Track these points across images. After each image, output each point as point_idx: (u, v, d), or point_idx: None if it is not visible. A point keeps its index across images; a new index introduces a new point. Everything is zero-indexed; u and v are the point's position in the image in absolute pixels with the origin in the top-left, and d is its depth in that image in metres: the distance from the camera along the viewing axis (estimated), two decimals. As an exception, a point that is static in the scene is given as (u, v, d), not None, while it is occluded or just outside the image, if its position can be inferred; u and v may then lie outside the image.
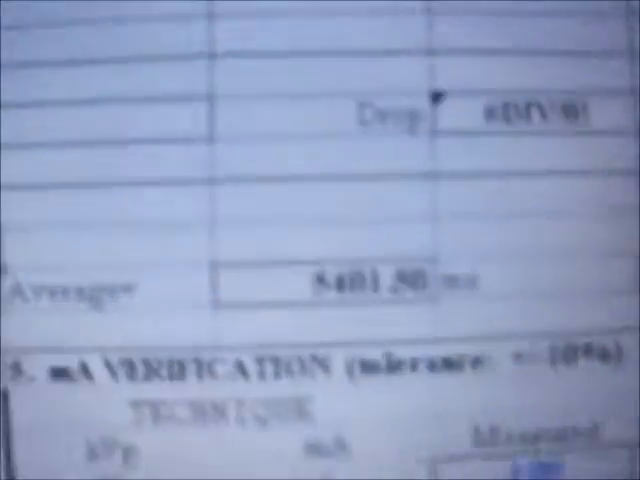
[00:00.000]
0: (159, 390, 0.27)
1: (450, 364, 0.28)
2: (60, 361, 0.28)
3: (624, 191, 0.28)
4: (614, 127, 0.28)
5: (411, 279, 0.28)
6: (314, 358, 0.27)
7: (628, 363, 0.28)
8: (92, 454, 0.28)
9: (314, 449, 0.28)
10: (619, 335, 0.28)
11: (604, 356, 0.28)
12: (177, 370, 0.28)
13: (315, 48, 0.27)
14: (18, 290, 0.28)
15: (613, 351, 0.28)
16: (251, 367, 0.27)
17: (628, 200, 0.28)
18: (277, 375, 0.27)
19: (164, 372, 0.28)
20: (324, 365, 0.27)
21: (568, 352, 0.28)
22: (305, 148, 0.27)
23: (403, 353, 0.28)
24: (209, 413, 0.27)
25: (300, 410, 0.27)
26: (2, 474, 0.28)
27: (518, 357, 0.28)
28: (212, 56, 0.27)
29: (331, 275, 0.27)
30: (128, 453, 0.28)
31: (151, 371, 0.28)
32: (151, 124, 0.27)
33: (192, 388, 0.27)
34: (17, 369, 0.28)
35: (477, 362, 0.28)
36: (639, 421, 0.28)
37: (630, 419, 0.28)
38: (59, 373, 0.28)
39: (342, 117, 0.27)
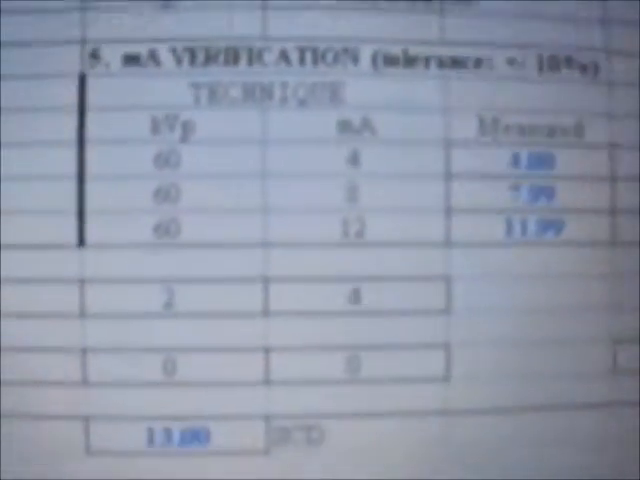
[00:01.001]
0: (216, 74, 0.33)
1: (456, 62, 0.33)
2: (132, 49, 0.33)
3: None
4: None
5: (424, -7, 0.34)
6: (345, 50, 0.33)
7: (602, 77, 0.34)
8: (156, 128, 0.32)
9: (345, 127, 0.32)
10: (596, 52, 0.34)
11: (583, 69, 0.34)
12: (232, 57, 0.33)
13: None
14: (98, -7, 0.33)
15: (590, 66, 0.34)
16: (293, 55, 0.33)
17: None
18: (315, 63, 0.33)
19: (221, 58, 0.33)
20: (354, 56, 0.33)
21: (552, 61, 0.34)
22: None
23: (417, 51, 0.33)
24: (257, 94, 0.32)
25: (333, 94, 0.33)
26: (76, 144, 0.32)
27: (511, 61, 0.33)
28: None
29: (359, -14, 0.33)
30: (186, 128, 0.32)
31: (210, 58, 0.33)
32: None
33: (244, 72, 0.33)
34: (95, 56, 0.33)
35: (478, 62, 0.33)
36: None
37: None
38: (131, 59, 0.33)
39: None
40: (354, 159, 0.33)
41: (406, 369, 0.33)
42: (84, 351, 0.32)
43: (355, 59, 0.33)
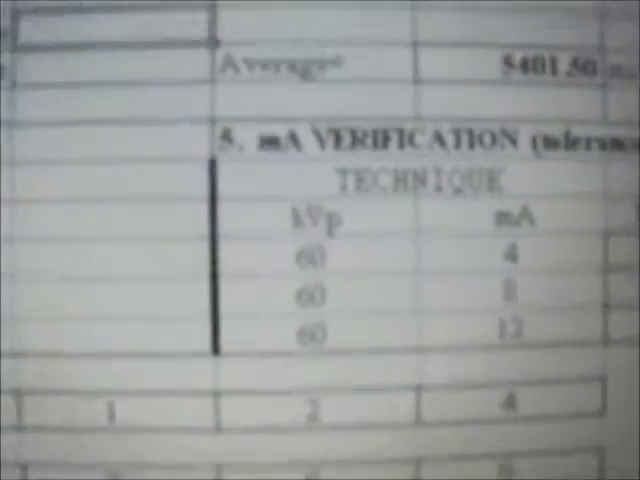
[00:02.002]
0: (363, 159, 0.29)
1: (617, 143, 0.30)
2: (270, 130, 0.29)
3: None
4: None
5: (584, 66, 0.30)
6: (504, 132, 0.30)
7: None
8: (298, 221, 0.29)
9: (503, 217, 0.30)
10: None
11: None
12: (381, 139, 0.29)
13: None
14: (230, 62, 0.29)
15: None
16: (448, 138, 0.29)
17: None
18: (471, 146, 0.30)
19: (369, 141, 0.29)
20: (512, 138, 0.30)
21: None
22: None
23: (579, 132, 0.30)
24: (409, 181, 0.29)
25: (491, 180, 0.30)
26: (208, 239, 0.28)
27: (672, 142, 0.31)
28: None
29: (517, 57, 0.30)
30: (332, 220, 0.29)
31: (357, 140, 0.29)
32: None
33: (394, 157, 0.29)
34: (227, 138, 0.29)
35: (636, 144, 0.31)
36: None
37: None
38: (268, 142, 0.29)
39: None
40: (512, 253, 0.30)
41: (560, 475, 0.31)
42: (219, 468, 0.29)
43: (514, 141, 0.30)
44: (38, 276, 0.29)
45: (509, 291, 0.30)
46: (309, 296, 0.29)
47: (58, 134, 0.28)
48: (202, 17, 0.29)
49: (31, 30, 0.28)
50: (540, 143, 0.30)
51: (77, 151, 0.28)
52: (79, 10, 0.28)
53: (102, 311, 0.28)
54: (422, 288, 0.30)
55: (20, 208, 0.28)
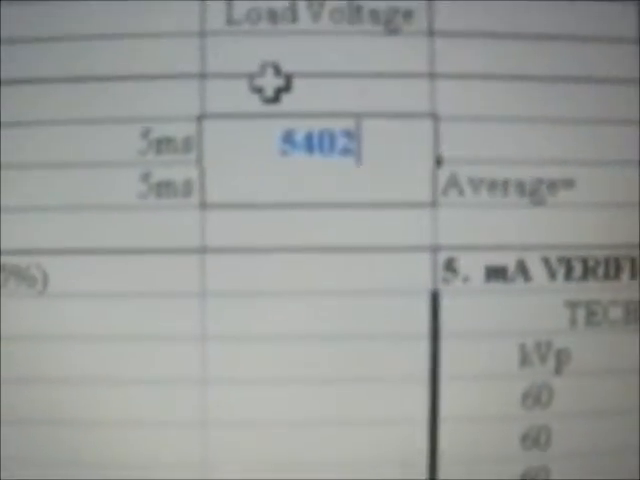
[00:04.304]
0: (594, 290, 0.27)
1: None
2: (498, 260, 0.26)
3: None
4: None
5: None
6: None
7: None
8: (525, 359, 0.26)
9: None
10: None
11: None
12: (613, 269, 0.27)
13: None
14: (454, 183, 0.26)
15: None
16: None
17: None
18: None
19: (600, 271, 0.27)
20: None
21: None
22: None
23: None
24: (640, 314, 0.27)
25: None
26: (428, 380, 0.26)
27: None
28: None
29: None
30: (561, 357, 0.26)
31: (588, 270, 0.27)
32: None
33: (625, 288, 0.27)
34: (451, 268, 0.26)
35: None
36: None
37: None
38: (496, 273, 0.26)
39: None
40: None
41: None
42: None
43: None
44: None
45: None
46: (534, 440, 0.27)
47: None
48: (425, 131, 0.26)
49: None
50: None
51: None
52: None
53: None
54: None
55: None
